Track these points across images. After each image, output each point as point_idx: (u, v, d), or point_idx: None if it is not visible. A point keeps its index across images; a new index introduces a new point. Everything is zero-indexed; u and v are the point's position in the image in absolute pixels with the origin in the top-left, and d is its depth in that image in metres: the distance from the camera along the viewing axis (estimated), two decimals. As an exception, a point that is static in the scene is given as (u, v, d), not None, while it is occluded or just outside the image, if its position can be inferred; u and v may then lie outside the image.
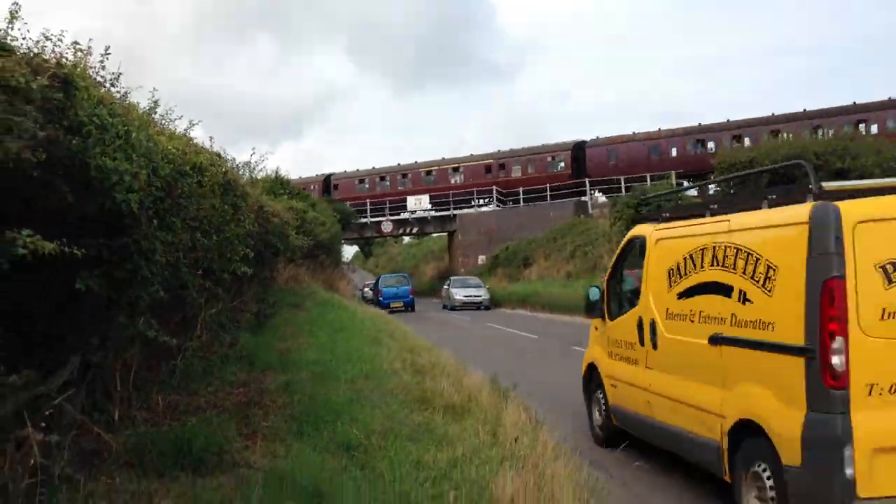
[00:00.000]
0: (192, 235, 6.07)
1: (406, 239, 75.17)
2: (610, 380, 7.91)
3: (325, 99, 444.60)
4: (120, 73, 6.91)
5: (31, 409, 4.33)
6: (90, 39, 5.77)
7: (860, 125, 33.92)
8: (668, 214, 7.41)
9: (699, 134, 39.95)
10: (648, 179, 35.96)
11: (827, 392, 4.55)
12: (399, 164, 51.23)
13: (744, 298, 5.46)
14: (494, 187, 45.29)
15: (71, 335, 5.16)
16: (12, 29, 4.03)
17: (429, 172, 49.13)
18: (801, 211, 4.93)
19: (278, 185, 24.09)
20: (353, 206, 46.22)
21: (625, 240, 8.04)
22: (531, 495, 4.33)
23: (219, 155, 9.01)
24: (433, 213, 46.93)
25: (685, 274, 6.37)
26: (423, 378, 9.42)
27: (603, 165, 41.81)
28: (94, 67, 6.19)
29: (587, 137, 44.43)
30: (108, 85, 6.48)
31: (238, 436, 5.67)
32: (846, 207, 4.73)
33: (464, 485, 4.71)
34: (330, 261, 28.56)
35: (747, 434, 5.22)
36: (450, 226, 46.85)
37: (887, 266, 4.61)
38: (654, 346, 6.80)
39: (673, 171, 36.46)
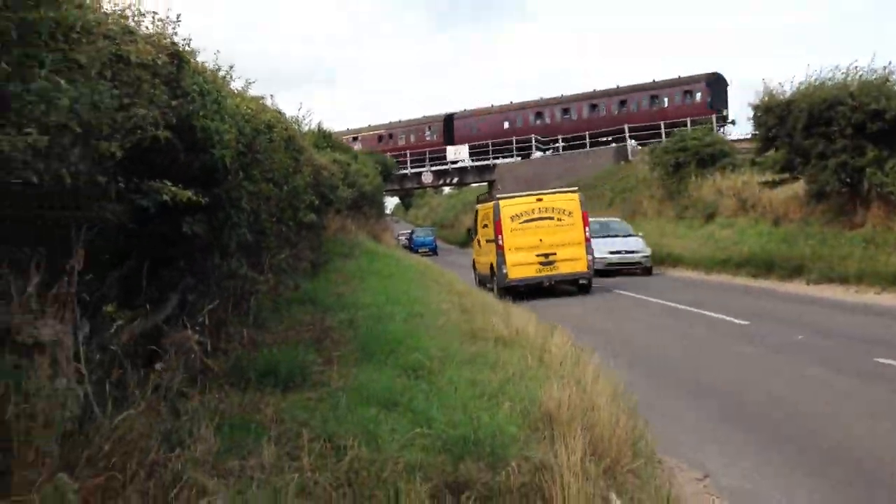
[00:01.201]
0: (267, 187, 6.78)
1: (446, 190, 75.61)
2: (476, 263, 21.45)
3: (355, 43, 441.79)
4: (191, 39, 7.58)
5: (152, 338, 5.20)
6: (168, 9, 6.42)
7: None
8: (484, 200, 21.04)
9: (538, 108, 47.86)
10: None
11: (500, 251, 18.19)
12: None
13: (485, 228, 19.62)
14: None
15: (171, 276, 5.96)
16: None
17: None
18: (492, 202, 19.08)
19: (321, 138, 24.75)
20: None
21: (475, 210, 21.72)
22: (575, 402, 5.02)
23: (279, 112, 9.68)
24: (472, 163, 47.44)
25: (483, 222, 20.05)
26: (471, 317, 10.15)
27: (468, 135, 49.57)
28: (170, 34, 6.87)
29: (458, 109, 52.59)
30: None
31: (316, 361, 6.44)
32: (501, 201, 18.79)
33: (516, 397, 5.42)
34: (374, 212, 29.32)
35: (493, 269, 18.59)
36: (489, 175, 47.18)
37: (512, 216, 18.28)
38: (481, 247, 20.35)
39: (713, 116, 36.39)
